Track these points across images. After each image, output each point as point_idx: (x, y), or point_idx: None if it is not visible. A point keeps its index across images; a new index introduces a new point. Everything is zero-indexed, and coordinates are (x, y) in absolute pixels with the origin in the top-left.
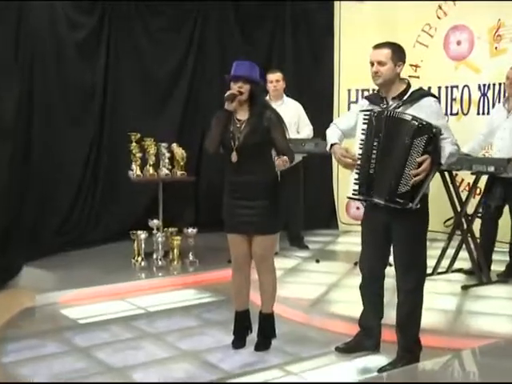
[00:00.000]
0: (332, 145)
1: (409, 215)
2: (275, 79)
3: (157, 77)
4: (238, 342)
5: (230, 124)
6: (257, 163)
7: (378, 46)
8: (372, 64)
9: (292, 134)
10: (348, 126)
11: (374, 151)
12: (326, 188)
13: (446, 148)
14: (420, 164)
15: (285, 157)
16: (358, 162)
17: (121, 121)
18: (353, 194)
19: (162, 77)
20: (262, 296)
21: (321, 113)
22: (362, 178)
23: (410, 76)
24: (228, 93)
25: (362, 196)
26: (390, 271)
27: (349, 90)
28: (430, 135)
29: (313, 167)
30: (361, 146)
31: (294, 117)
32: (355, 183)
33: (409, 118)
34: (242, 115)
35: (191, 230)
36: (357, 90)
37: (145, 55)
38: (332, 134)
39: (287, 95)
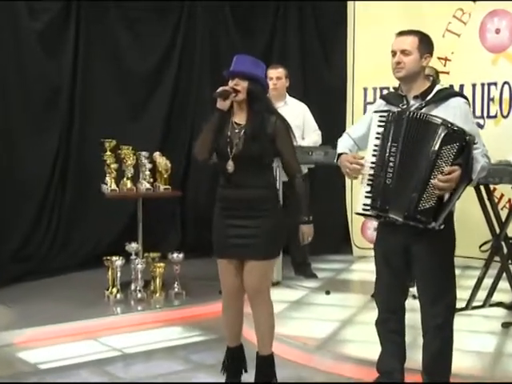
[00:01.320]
0: (340, 155)
1: (432, 237)
2: (276, 76)
3: (136, 74)
4: None
5: (227, 128)
6: (256, 175)
7: (402, 33)
8: (394, 54)
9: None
10: (362, 133)
11: (392, 158)
12: (337, 205)
13: (478, 160)
14: (445, 177)
15: (308, 227)
16: (371, 172)
17: (92, 126)
18: (363, 210)
19: (143, 74)
20: (257, 335)
21: (331, 116)
22: (376, 189)
23: (437, 71)
24: (220, 89)
25: (375, 211)
26: (414, 304)
27: (365, 89)
28: (463, 143)
29: (321, 180)
30: (375, 153)
31: (298, 120)
32: (367, 196)
33: (438, 121)
34: (241, 119)
35: (177, 256)
36: (374, 89)
37: (121, 48)
38: (342, 143)
39: (290, 95)
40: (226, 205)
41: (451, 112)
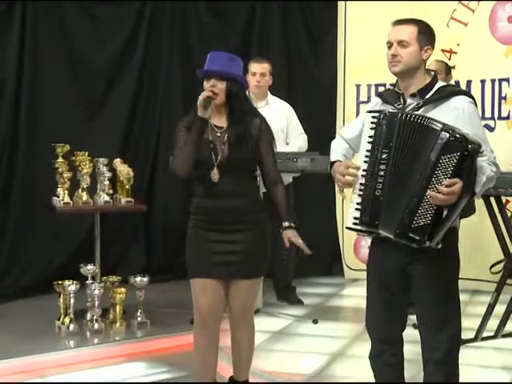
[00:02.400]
0: (332, 163)
1: (433, 256)
2: (261, 72)
3: (92, 65)
4: None
5: (206, 132)
6: (242, 183)
7: (399, 22)
8: (390, 45)
9: (279, 146)
10: (355, 135)
11: (383, 166)
12: (326, 220)
13: (484, 170)
14: (446, 189)
15: (291, 231)
16: (362, 181)
17: (41, 127)
18: (353, 224)
19: (100, 65)
20: (236, 359)
21: (319, 117)
22: (366, 201)
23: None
24: (202, 96)
25: (364, 226)
26: (415, 334)
27: (357, 86)
28: (464, 153)
29: (308, 191)
30: (366, 159)
31: (281, 123)
32: (357, 208)
33: (437, 125)
34: (221, 121)
35: (140, 280)
36: (368, 86)
37: (75, 37)
38: (335, 148)
39: (272, 93)
40: (207, 217)
41: (453, 114)
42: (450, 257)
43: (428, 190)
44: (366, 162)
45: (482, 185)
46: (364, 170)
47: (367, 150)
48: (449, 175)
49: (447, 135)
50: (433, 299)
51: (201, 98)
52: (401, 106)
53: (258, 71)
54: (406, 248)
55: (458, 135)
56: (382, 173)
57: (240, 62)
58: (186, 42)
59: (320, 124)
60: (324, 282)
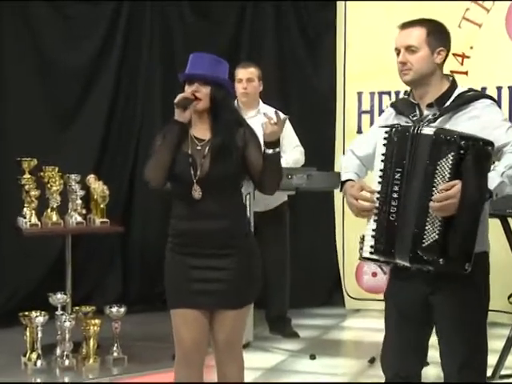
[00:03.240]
0: (343, 183)
1: (458, 285)
2: (247, 77)
3: (64, 69)
4: None
5: (185, 144)
6: (226, 202)
7: (406, 25)
8: (398, 52)
9: None
10: (368, 151)
11: (396, 188)
12: (324, 243)
13: (504, 161)
14: (440, 195)
15: (276, 115)
16: (377, 205)
17: (6, 140)
18: (370, 253)
19: (72, 69)
20: None
21: (316, 129)
22: (381, 228)
23: (452, 72)
24: (179, 96)
25: (381, 255)
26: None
27: (359, 94)
28: (460, 151)
29: (304, 212)
30: (380, 180)
31: None
32: (373, 236)
33: (429, 131)
34: (203, 133)
35: (117, 310)
36: (371, 94)
37: (44, 38)
38: (346, 165)
39: (264, 102)
40: (186, 241)
41: (473, 124)
42: (478, 285)
43: (430, 201)
44: (379, 183)
45: (498, 182)
46: (378, 193)
47: (380, 170)
48: (446, 180)
49: (434, 136)
50: (457, 334)
51: (178, 97)
52: (416, 117)
53: (244, 77)
54: (427, 276)
55: (448, 135)
56: (395, 195)
57: (225, 64)
58: (168, 44)
59: (317, 136)
60: (322, 313)
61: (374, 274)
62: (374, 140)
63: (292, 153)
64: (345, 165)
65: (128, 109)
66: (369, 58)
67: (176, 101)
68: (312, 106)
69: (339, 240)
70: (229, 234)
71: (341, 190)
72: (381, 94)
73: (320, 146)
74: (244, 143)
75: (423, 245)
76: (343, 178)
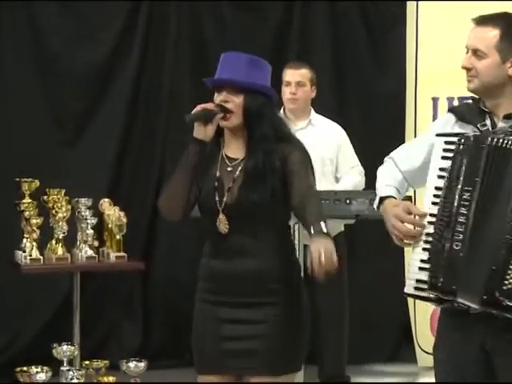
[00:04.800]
0: (382, 199)
1: None
2: (296, 80)
3: (73, 73)
4: None
5: (215, 166)
6: (261, 237)
7: (479, 21)
8: (467, 51)
9: (326, 182)
10: (417, 164)
11: (464, 210)
12: (391, 284)
13: None
14: None
15: (324, 244)
16: (430, 230)
17: (2, 158)
18: (415, 288)
19: (83, 73)
20: None
21: (382, 143)
22: (438, 258)
23: None
24: (198, 108)
25: (436, 292)
26: None
27: (435, 100)
28: None
29: (365, 245)
30: (436, 200)
31: (330, 151)
32: (422, 268)
33: None
34: (237, 151)
35: (135, 365)
36: (450, 100)
37: (48, 34)
38: (385, 177)
39: (317, 111)
40: (213, 286)
41: None
42: None
43: None
44: (435, 203)
45: None
46: (432, 215)
47: (437, 188)
48: None
49: None
50: None
51: (196, 109)
52: (486, 127)
53: (294, 80)
54: (490, 324)
55: None
56: (462, 219)
57: (266, 67)
58: (199, 43)
59: (383, 152)
60: (388, 371)
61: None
62: (423, 151)
63: (350, 175)
64: (384, 177)
65: (150, 119)
66: (446, 59)
67: (193, 113)
68: (376, 115)
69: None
70: (266, 278)
71: (378, 208)
72: (461, 99)
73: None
74: (285, 165)
75: (504, 286)
76: (382, 194)
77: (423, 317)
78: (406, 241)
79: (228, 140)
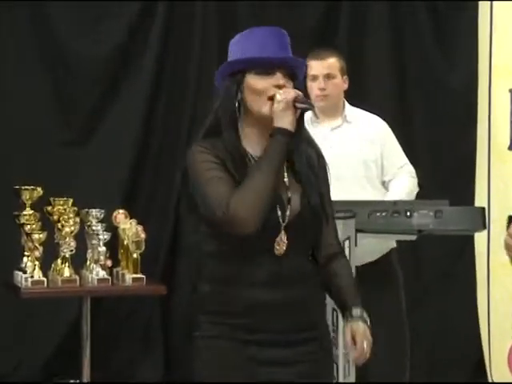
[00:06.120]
0: None
1: None
2: (325, 73)
3: (82, 65)
4: None
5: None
6: (306, 262)
7: None
8: None
9: (373, 190)
10: None
11: None
12: (462, 309)
13: None
14: None
15: (368, 337)
16: None
17: (1, 159)
18: None
19: (92, 65)
20: None
21: (449, 142)
22: None
23: None
24: (299, 94)
25: None
26: None
27: None
28: None
29: (428, 265)
30: None
31: (372, 150)
32: None
33: None
34: (255, 148)
35: None
36: None
37: (56, 29)
38: None
39: (351, 103)
40: (252, 321)
41: None
42: None
43: None
44: None
45: None
46: None
47: None
48: None
49: None
50: None
51: (302, 97)
52: None
53: (321, 73)
54: None
55: None
56: None
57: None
58: (228, 29)
59: (449, 153)
60: None
61: None
62: None
63: (401, 179)
64: None
65: (171, 118)
66: None
67: (296, 96)
68: (441, 110)
69: (483, 304)
70: (310, 308)
71: (508, 229)
72: None
73: (453, 167)
74: (317, 174)
75: None
76: None
77: (500, 349)
78: None
79: (249, 137)
